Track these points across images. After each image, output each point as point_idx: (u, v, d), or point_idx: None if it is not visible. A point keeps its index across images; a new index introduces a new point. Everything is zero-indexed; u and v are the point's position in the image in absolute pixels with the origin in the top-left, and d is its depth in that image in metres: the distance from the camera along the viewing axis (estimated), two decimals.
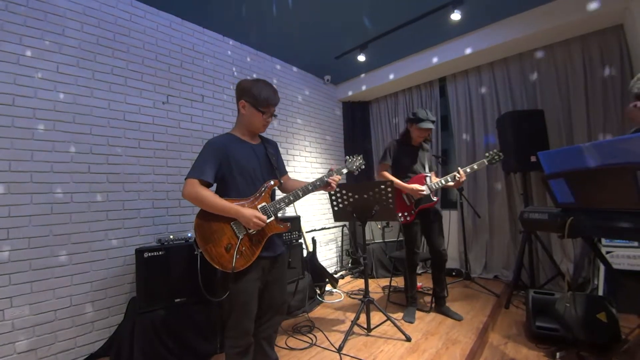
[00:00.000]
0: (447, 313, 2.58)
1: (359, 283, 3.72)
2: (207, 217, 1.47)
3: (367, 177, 4.66)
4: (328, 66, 4.09)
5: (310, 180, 1.74)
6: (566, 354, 1.88)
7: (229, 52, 3.28)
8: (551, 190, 1.40)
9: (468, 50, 3.42)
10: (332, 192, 2.31)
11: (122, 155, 2.41)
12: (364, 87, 4.42)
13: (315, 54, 3.76)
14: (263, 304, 1.61)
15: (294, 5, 2.77)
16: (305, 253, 3.19)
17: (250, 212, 1.45)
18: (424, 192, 2.44)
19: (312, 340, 2.29)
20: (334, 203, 2.36)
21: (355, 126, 4.81)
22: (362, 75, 4.40)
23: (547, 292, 2.20)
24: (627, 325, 1.97)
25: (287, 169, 2.20)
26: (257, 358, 1.63)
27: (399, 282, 3.37)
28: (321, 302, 3.13)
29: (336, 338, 2.28)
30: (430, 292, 2.82)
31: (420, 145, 2.67)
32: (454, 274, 3.66)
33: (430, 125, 2.49)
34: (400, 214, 2.56)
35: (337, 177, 1.70)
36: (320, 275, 3.29)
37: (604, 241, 2.45)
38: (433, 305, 2.73)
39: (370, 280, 2.74)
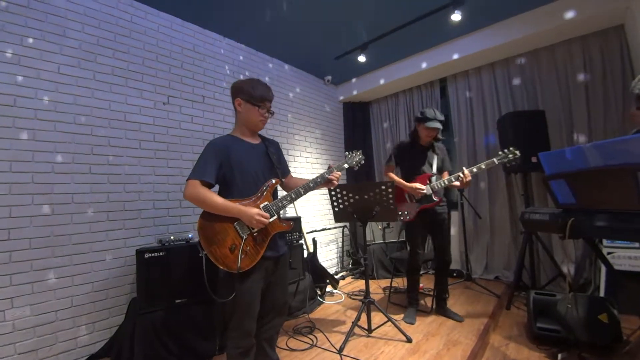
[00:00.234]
0: (448, 314, 2.58)
1: (360, 284, 3.71)
2: (210, 218, 1.47)
3: (367, 178, 4.68)
4: (328, 66, 4.09)
5: None
6: (567, 355, 1.87)
7: (230, 53, 3.29)
8: (552, 191, 1.40)
9: (468, 51, 3.42)
10: (333, 193, 2.31)
11: (123, 156, 2.41)
12: (364, 88, 4.42)
13: (315, 55, 3.76)
14: (265, 305, 1.61)
15: (295, 6, 2.77)
16: (305, 254, 3.18)
17: (252, 210, 1.46)
18: (424, 191, 2.44)
19: (312, 341, 2.29)
20: (335, 204, 2.36)
21: (355, 127, 4.81)
22: (363, 75, 4.39)
23: (548, 293, 2.19)
24: (628, 326, 1.97)
25: None
26: (258, 359, 1.63)
27: (399, 283, 3.37)
28: (322, 303, 3.13)
29: (337, 339, 2.27)
30: (431, 293, 2.82)
31: (430, 145, 2.60)
32: (454, 275, 3.65)
33: (437, 125, 2.43)
34: (400, 213, 2.57)
35: (337, 173, 1.70)
36: (320, 276, 3.28)
37: (605, 242, 2.44)
38: (434, 306, 2.72)
39: (370, 281, 2.74)
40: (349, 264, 4.40)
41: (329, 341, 2.27)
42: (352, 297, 3.28)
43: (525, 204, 3.09)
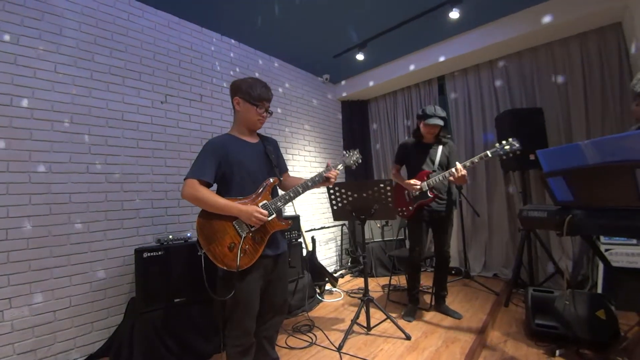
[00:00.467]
0: (447, 311, 2.59)
1: (359, 282, 3.72)
2: (208, 217, 1.47)
3: (366, 176, 4.68)
4: (327, 65, 4.08)
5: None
6: (565, 351, 1.88)
7: (228, 52, 3.27)
8: (550, 189, 1.40)
9: (467, 49, 3.41)
10: (332, 192, 2.32)
11: (121, 155, 2.40)
12: (362, 86, 4.41)
13: (314, 53, 3.75)
14: (264, 303, 1.61)
15: (293, 5, 2.76)
16: (304, 252, 3.18)
17: (251, 208, 1.46)
18: (418, 187, 2.44)
19: (312, 339, 2.29)
20: (333, 202, 2.36)
21: (353, 125, 4.81)
22: (361, 74, 4.38)
23: (546, 290, 2.20)
24: (626, 322, 1.98)
25: None
26: (258, 357, 1.64)
27: (398, 280, 3.38)
28: (321, 301, 3.13)
29: (336, 337, 2.28)
30: (430, 290, 2.82)
31: (434, 142, 2.59)
32: (453, 272, 3.65)
33: (437, 122, 2.43)
34: (399, 209, 2.60)
35: (335, 172, 1.70)
36: (319, 275, 3.29)
37: (602, 239, 2.45)
38: (432, 303, 2.73)
39: (369, 279, 2.74)
40: (347, 262, 4.40)
41: (328, 339, 2.27)
42: (351, 295, 3.29)
43: (523, 202, 3.10)
